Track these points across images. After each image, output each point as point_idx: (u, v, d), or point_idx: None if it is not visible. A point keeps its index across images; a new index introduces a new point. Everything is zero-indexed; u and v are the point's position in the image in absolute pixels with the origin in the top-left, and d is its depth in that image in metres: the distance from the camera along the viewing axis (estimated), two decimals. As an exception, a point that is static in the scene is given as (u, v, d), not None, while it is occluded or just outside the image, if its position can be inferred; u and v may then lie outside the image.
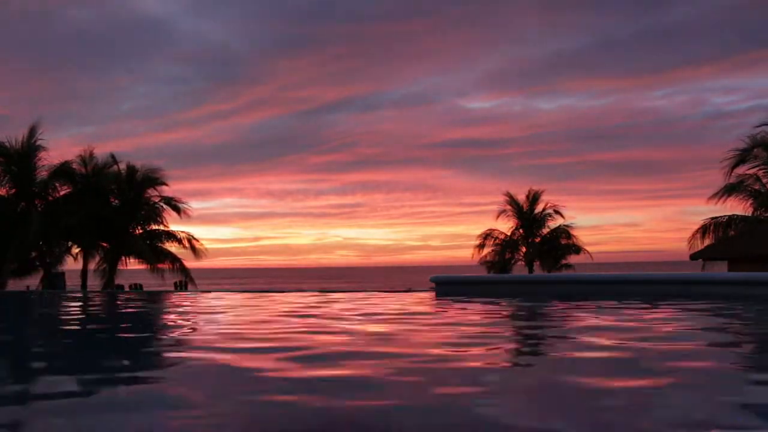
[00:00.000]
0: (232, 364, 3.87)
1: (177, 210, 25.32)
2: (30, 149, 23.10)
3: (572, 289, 10.53)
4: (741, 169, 22.18)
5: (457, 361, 3.91)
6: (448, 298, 9.74)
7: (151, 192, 25.24)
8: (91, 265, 24.60)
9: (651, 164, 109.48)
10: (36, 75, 70.66)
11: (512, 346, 4.91)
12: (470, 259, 30.87)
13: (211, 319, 6.96)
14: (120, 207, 24.51)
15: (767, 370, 3.76)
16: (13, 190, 23.08)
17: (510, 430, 2.43)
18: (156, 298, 11.62)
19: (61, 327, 6.93)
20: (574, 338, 5.04)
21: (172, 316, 7.53)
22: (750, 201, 22.02)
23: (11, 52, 61.46)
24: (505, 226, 31.07)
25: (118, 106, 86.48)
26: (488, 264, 30.42)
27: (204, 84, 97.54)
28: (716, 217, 22.46)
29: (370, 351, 4.30)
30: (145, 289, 21.86)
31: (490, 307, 8.02)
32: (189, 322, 6.59)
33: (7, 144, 22.93)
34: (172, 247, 25.69)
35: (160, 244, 25.46)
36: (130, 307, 9.31)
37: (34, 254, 23.74)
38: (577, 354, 4.24)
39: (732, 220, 22.16)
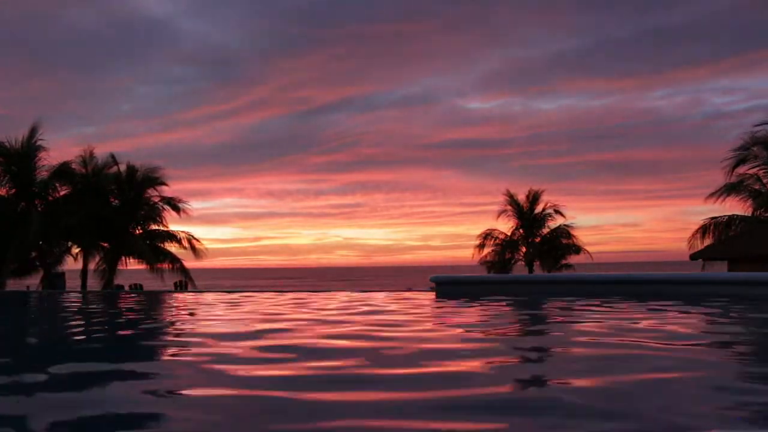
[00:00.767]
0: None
1: (177, 210, 25.36)
2: (30, 149, 23.12)
3: (573, 289, 10.52)
4: (741, 169, 22.20)
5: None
6: (449, 298, 9.73)
7: (151, 192, 25.27)
8: (91, 265, 24.62)
9: (651, 164, 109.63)
10: (36, 75, 70.71)
11: (512, 345, 4.91)
12: (470, 259, 30.93)
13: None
14: (120, 207, 24.53)
15: (765, 370, 3.75)
16: (13, 190, 23.09)
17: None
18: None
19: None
20: (574, 338, 5.04)
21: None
22: (750, 201, 22.02)
23: (11, 52, 61.53)
24: (505, 226, 31.13)
25: (118, 107, 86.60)
26: (488, 264, 30.42)
27: (204, 84, 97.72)
28: (716, 217, 22.46)
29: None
30: (146, 289, 21.86)
31: (491, 306, 8.02)
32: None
33: (7, 144, 22.95)
34: (172, 247, 25.73)
35: (160, 244, 25.46)
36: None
37: (34, 254, 23.75)
38: (577, 354, 4.24)
39: (732, 220, 22.15)
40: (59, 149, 39.84)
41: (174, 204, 25.31)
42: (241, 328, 5.85)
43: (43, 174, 23.33)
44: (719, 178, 22.43)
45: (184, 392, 3.21)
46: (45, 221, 21.96)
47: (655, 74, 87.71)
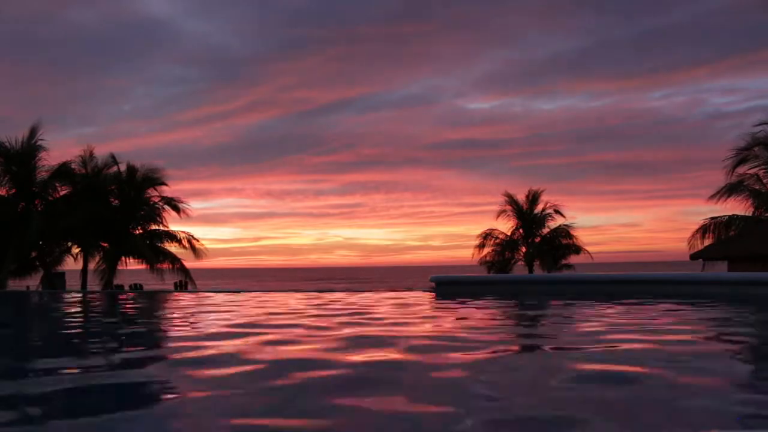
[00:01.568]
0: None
1: (177, 210, 25.32)
2: (30, 149, 23.10)
3: (573, 289, 10.53)
4: (741, 169, 22.18)
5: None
6: (448, 298, 9.73)
7: (151, 192, 25.24)
8: (91, 265, 24.62)
9: (651, 164, 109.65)
10: (37, 75, 70.76)
11: (512, 345, 4.91)
12: (470, 259, 30.91)
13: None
14: (120, 207, 24.52)
15: (764, 371, 3.76)
16: (13, 191, 23.08)
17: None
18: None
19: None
20: (574, 338, 5.04)
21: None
22: (750, 201, 22.01)
23: (12, 53, 61.52)
24: (505, 226, 31.11)
25: (118, 107, 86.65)
26: (488, 264, 30.41)
27: (204, 85, 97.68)
28: (716, 217, 22.44)
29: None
30: (145, 288, 21.85)
31: (491, 306, 8.02)
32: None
33: (7, 144, 22.94)
34: (172, 247, 25.69)
35: (160, 244, 25.45)
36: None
37: (34, 254, 23.74)
38: (577, 353, 4.24)
39: (732, 220, 22.13)
40: (59, 149, 39.68)
41: (174, 204, 25.30)
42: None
43: (43, 174, 23.32)
44: (719, 178, 22.43)
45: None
46: (45, 221, 21.96)
47: (655, 74, 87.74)
